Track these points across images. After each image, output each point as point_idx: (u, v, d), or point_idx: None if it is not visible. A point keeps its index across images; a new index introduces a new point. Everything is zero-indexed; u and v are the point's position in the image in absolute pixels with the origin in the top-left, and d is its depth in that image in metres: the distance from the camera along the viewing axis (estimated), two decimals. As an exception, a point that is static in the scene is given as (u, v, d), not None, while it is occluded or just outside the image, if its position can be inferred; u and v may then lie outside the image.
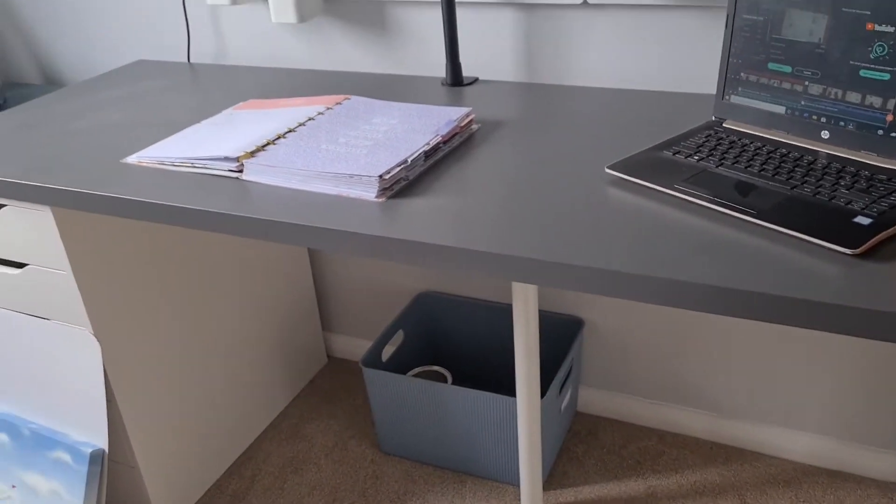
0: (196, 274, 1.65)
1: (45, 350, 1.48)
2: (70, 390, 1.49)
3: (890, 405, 1.61)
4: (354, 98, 1.38)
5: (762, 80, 1.12)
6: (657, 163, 1.07)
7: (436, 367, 1.90)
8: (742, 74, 1.14)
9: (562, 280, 0.90)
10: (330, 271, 2.08)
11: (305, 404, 2.05)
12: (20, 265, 1.44)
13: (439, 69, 1.61)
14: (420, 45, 1.62)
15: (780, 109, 1.11)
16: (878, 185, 0.96)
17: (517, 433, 1.63)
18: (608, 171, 1.07)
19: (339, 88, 1.52)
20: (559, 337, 1.83)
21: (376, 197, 1.06)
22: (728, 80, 1.16)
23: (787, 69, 1.09)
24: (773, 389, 1.70)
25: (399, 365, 1.89)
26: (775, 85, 1.11)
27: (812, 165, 1.02)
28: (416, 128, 1.22)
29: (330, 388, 2.10)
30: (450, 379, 1.87)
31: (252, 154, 1.18)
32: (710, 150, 1.09)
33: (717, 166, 1.04)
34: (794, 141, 1.09)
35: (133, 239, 1.49)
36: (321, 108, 1.34)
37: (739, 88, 1.15)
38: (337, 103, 1.36)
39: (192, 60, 1.85)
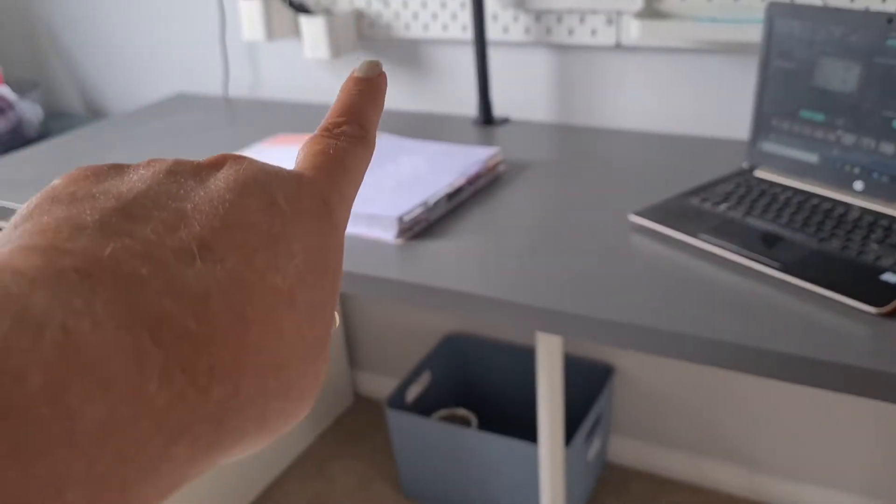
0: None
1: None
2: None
3: (934, 468, 1.54)
4: (383, 136, 1.38)
5: (794, 128, 1.09)
6: (683, 210, 1.04)
7: (461, 410, 1.87)
8: (774, 122, 1.11)
9: (581, 332, 0.88)
10: (358, 308, 2.07)
11: (330, 442, 2.03)
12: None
13: (471, 108, 1.61)
14: (452, 83, 1.62)
15: (813, 158, 1.08)
16: (913, 240, 0.92)
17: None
18: (632, 218, 1.04)
19: (370, 126, 1.52)
20: (588, 383, 1.79)
21: (395, 238, 1.05)
22: (760, 127, 1.13)
23: (820, 118, 1.06)
24: (815, 445, 1.64)
25: (425, 406, 1.86)
26: (808, 133, 1.08)
27: (843, 218, 0.99)
28: (442, 168, 1.21)
29: (355, 426, 2.09)
30: (475, 422, 1.84)
31: (275, 191, 1.18)
32: (739, 199, 1.06)
33: (744, 216, 1.01)
34: (825, 192, 1.06)
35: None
36: (348, 147, 1.33)
37: (771, 136, 1.12)
38: (364, 142, 1.35)
39: (229, 94, 1.88)
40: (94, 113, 2.17)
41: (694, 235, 0.97)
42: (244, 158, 0.23)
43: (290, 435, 1.95)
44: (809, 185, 1.08)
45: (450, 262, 0.99)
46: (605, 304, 0.87)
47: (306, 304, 0.22)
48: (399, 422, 1.71)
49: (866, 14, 1.00)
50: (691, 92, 1.41)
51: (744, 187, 1.09)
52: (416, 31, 1.58)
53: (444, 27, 1.55)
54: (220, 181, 0.22)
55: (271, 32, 1.63)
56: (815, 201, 1.04)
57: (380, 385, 2.16)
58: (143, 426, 0.17)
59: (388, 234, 1.05)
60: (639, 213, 1.04)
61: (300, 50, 1.75)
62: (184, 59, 1.94)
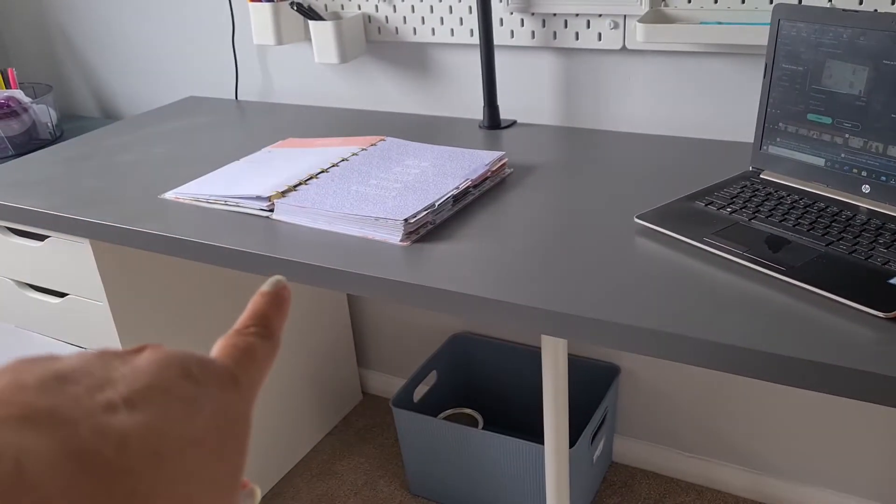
0: (231, 309, 1.66)
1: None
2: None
3: (941, 470, 1.54)
4: (389, 139, 1.38)
5: (801, 131, 1.09)
6: (688, 213, 1.05)
7: (467, 410, 1.88)
8: (781, 125, 1.12)
9: (585, 335, 0.88)
10: (367, 307, 2.08)
11: (338, 441, 2.04)
12: (62, 294, 1.47)
13: (478, 111, 1.61)
14: (459, 87, 1.63)
15: (820, 162, 1.08)
16: (919, 244, 0.92)
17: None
18: (637, 220, 1.04)
19: (378, 128, 1.53)
20: (594, 384, 1.79)
21: (401, 241, 1.06)
22: (766, 129, 1.13)
23: (828, 121, 1.06)
24: (821, 448, 1.64)
25: (431, 405, 1.87)
26: (815, 136, 1.08)
27: (850, 221, 0.99)
28: (448, 171, 1.21)
29: (363, 425, 2.09)
30: (481, 422, 1.85)
31: (283, 194, 1.19)
32: (745, 202, 1.06)
33: (750, 219, 1.02)
34: (833, 195, 1.06)
35: (168, 272, 1.52)
36: (356, 149, 1.34)
37: (778, 139, 1.12)
38: (372, 144, 1.36)
39: (239, 97, 1.89)
40: (108, 115, 2.19)
41: (699, 239, 0.98)
42: (162, 346, 0.28)
43: (299, 433, 1.96)
44: (816, 188, 1.08)
45: (455, 264, 0.99)
46: (609, 307, 0.87)
47: (214, 448, 0.26)
48: (406, 421, 1.72)
49: (874, 16, 1.00)
50: (697, 95, 1.42)
51: (749, 190, 1.09)
52: (423, 36, 1.59)
53: (452, 31, 1.55)
54: (142, 360, 0.27)
55: (281, 37, 1.64)
56: (822, 204, 1.04)
57: (387, 384, 2.17)
58: None
59: (394, 237, 1.06)
60: (644, 216, 1.05)
61: (310, 54, 1.76)
62: (196, 63, 1.95)
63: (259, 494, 0.32)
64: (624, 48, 1.43)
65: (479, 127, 1.51)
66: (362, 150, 1.34)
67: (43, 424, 0.22)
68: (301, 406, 1.95)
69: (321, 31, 1.58)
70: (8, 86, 1.92)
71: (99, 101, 2.18)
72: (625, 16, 1.39)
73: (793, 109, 1.10)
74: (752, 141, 1.16)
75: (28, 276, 1.48)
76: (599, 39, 1.43)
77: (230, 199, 1.21)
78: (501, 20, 1.49)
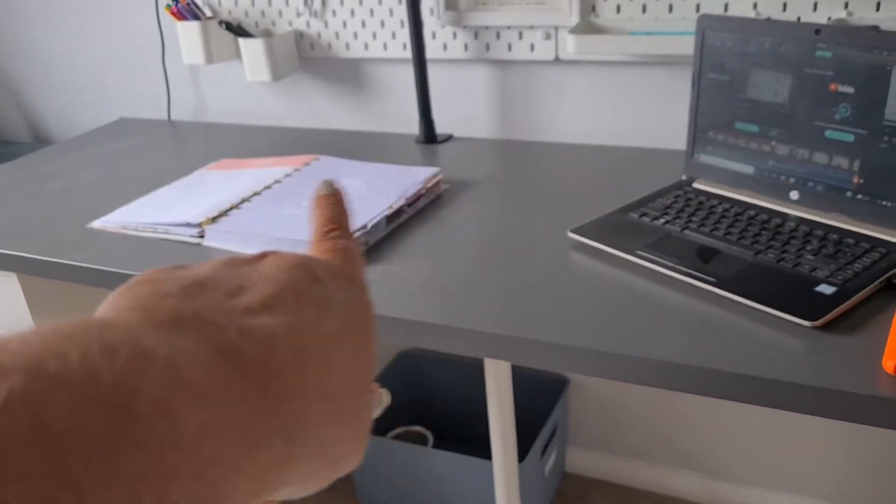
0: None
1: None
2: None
3: (893, 468, 1.56)
4: (323, 158, 1.36)
5: (730, 139, 1.10)
6: (621, 226, 1.04)
7: (417, 428, 1.86)
8: (710, 133, 1.12)
9: (522, 356, 0.87)
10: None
11: (289, 464, 2.01)
12: (-11, 329, 1.42)
13: (414, 126, 1.60)
14: (395, 101, 1.61)
15: (749, 170, 1.09)
16: (846, 249, 0.93)
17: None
18: (571, 235, 1.04)
19: (314, 145, 1.51)
20: (543, 396, 1.79)
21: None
22: (696, 139, 1.14)
23: (755, 129, 1.07)
24: (773, 451, 1.65)
25: (380, 424, 1.85)
26: (743, 145, 1.09)
27: (779, 228, 1.00)
28: (381, 190, 1.20)
29: (314, 446, 2.06)
30: (431, 439, 1.83)
31: (214, 219, 1.16)
32: (677, 213, 1.06)
33: (682, 230, 1.02)
34: (763, 202, 1.07)
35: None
36: (289, 170, 1.32)
37: (708, 148, 1.13)
38: (305, 164, 1.34)
39: (172, 117, 1.85)
40: (39, 140, 2.13)
41: (632, 252, 0.97)
42: (284, 251, 0.30)
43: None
44: (747, 195, 1.09)
45: (391, 287, 0.98)
46: (547, 328, 0.86)
47: (349, 347, 0.28)
48: (355, 443, 1.70)
49: (795, 25, 1.01)
50: (631, 104, 1.42)
51: (682, 200, 1.10)
52: (356, 51, 1.57)
53: (385, 46, 1.54)
54: (268, 266, 0.28)
55: (211, 56, 1.61)
56: (751, 212, 1.04)
57: (338, 404, 2.14)
58: (229, 434, 0.21)
59: (327, 261, 1.04)
60: (577, 231, 1.04)
61: (242, 72, 1.73)
62: (127, 84, 1.91)
63: (387, 399, 0.34)
64: (557, 59, 1.43)
65: (416, 142, 1.50)
66: (295, 170, 1.32)
67: (190, 327, 0.23)
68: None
69: (252, 49, 1.55)
70: (-69, 113, 1.85)
71: (29, 125, 2.12)
72: (556, 27, 1.39)
73: (721, 118, 1.10)
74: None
75: (-47, 312, 1.43)
76: (532, 50, 1.43)
77: (159, 227, 1.18)
78: (434, 34, 1.48)
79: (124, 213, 1.25)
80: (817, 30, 0.98)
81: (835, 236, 0.96)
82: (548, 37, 1.40)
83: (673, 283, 0.92)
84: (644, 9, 1.31)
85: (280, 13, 1.61)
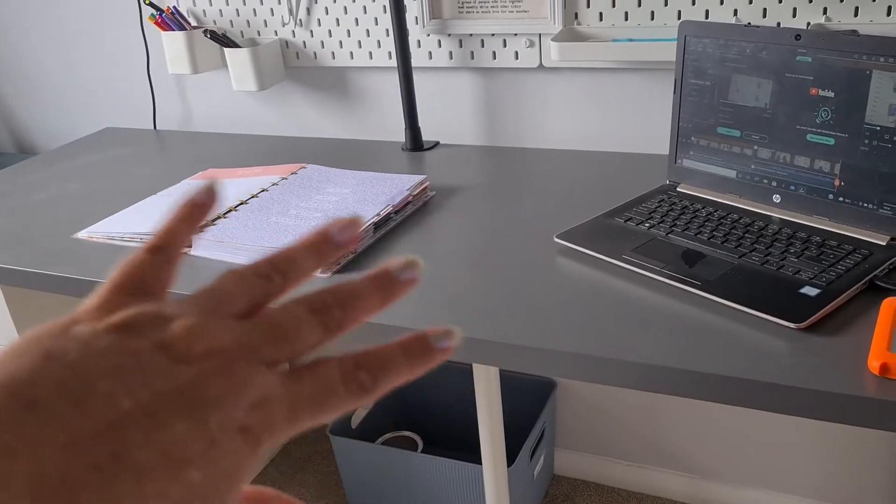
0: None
1: None
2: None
3: (877, 467, 1.58)
4: (310, 167, 1.37)
5: (713, 144, 1.11)
6: (607, 230, 1.05)
7: (406, 433, 1.86)
8: (693, 138, 1.13)
9: (511, 362, 0.88)
10: (302, 335, 2.05)
11: (277, 472, 2.00)
12: (-25, 341, 1.41)
13: (401, 133, 1.61)
14: (381, 109, 1.62)
15: (732, 174, 1.10)
16: (828, 251, 0.94)
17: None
18: (557, 240, 1.05)
19: (301, 154, 1.51)
20: (531, 400, 1.80)
21: (321, 272, 1.04)
22: (680, 143, 1.15)
23: (737, 133, 1.08)
24: (756, 450, 1.67)
25: (370, 430, 1.85)
26: (725, 149, 1.10)
27: (763, 231, 1.01)
28: (368, 197, 1.20)
29: (302, 454, 2.06)
30: (420, 444, 1.83)
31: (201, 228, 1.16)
32: (662, 217, 1.07)
33: (667, 234, 1.03)
34: (746, 205, 1.08)
35: (91, 312, 1.47)
36: (276, 179, 1.32)
37: (691, 152, 1.14)
38: (292, 173, 1.35)
39: (158, 127, 1.85)
40: (24, 150, 2.12)
41: (617, 256, 0.98)
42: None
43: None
44: (730, 199, 1.10)
45: (378, 294, 0.98)
46: (535, 333, 0.87)
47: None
48: (344, 448, 1.70)
49: (775, 31, 1.02)
50: (615, 109, 1.43)
51: (667, 204, 1.11)
52: (342, 60, 1.58)
53: (370, 55, 1.55)
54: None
55: (196, 66, 1.61)
56: (735, 216, 1.06)
57: (326, 412, 2.14)
58: None
59: (316, 269, 1.04)
60: (563, 236, 1.05)
61: (228, 82, 1.73)
62: (112, 94, 1.91)
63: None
64: (541, 66, 1.44)
65: (402, 149, 1.51)
66: (283, 179, 1.32)
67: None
68: (237, 439, 1.91)
69: (237, 59, 1.55)
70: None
71: (14, 136, 2.11)
72: (539, 34, 1.40)
73: (703, 123, 1.11)
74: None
75: (-61, 325, 1.42)
76: (517, 58, 1.44)
77: (146, 236, 1.18)
78: (419, 42, 1.49)
79: (110, 223, 1.25)
80: (797, 35, 0.99)
81: (818, 238, 0.97)
82: (531, 44, 1.41)
83: (658, 287, 0.93)
84: (626, 16, 1.33)
85: (265, 23, 1.61)
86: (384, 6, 1.50)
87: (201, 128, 1.83)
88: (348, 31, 1.55)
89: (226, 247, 1.11)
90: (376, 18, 1.52)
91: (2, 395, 0.22)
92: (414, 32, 1.48)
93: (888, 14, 1.18)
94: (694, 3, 1.28)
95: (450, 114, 1.56)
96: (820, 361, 0.77)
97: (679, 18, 1.29)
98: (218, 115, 1.79)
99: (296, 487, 1.94)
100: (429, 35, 1.48)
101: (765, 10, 1.25)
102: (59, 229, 1.28)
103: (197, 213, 0.31)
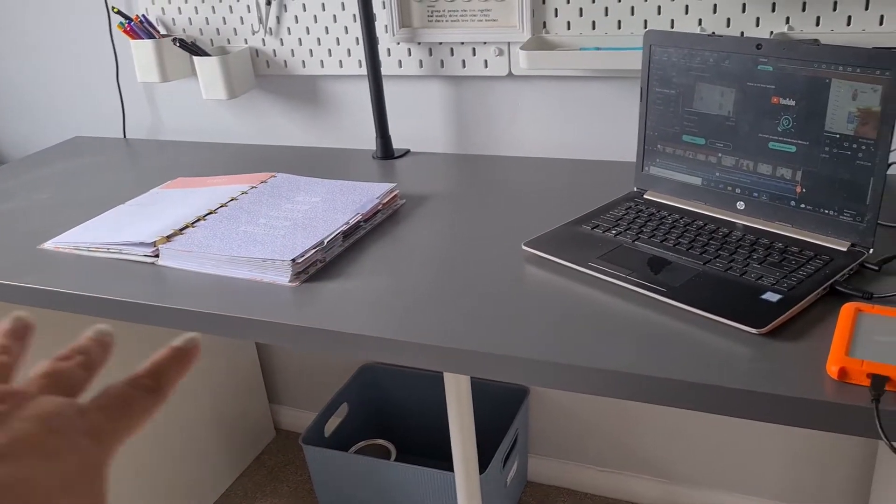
0: (120, 363, 1.61)
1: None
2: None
3: (844, 470, 1.60)
4: (280, 175, 1.36)
5: (678, 151, 1.13)
6: (574, 238, 1.06)
7: (380, 441, 1.86)
8: (659, 146, 1.15)
9: (480, 370, 0.88)
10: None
11: (251, 482, 1.99)
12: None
13: (372, 142, 1.61)
14: (352, 118, 1.62)
15: (697, 181, 1.11)
16: (791, 257, 0.96)
17: (462, 509, 1.59)
18: (525, 248, 1.05)
19: (271, 163, 1.51)
20: (504, 406, 1.80)
21: (290, 281, 1.04)
22: (646, 151, 1.16)
23: (701, 141, 1.10)
24: (727, 455, 1.68)
25: (343, 439, 1.84)
26: (690, 157, 1.11)
27: (727, 238, 1.02)
28: (338, 206, 1.20)
29: (276, 463, 2.05)
30: (394, 452, 1.83)
31: (168, 238, 1.16)
32: (629, 224, 1.08)
33: (633, 241, 1.04)
34: (711, 212, 1.09)
35: (54, 327, 1.46)
36: (245, 187, 1.32)
37: (657, 160, 1.15)
38: (262, 181, 1.34)
39: (127, 136, 1.84)
40: (-9, 159, 2.10)
41: (584, 264, 0.99)
42: (51, 398, 0.32)
43: (211, 475, 1.91)
44: (695, 206, 1.11)
45: (348, 303, 0.98)
46: (501, 341, 0.88)
47: (82, 494, 0.29)
48: (317, 458, 1.69)
49: (738, 40, 1.04)
50: (584, 117, 1.44)
51: (633, 211, 1.12)
52: (312, 68, 1.58)
53: (340, 63, 1.55)
54: (28, 410, 0.31)
55: (166, 74, 1.61)
56: (701, 222, 1.07)
57: (300, 419, 2.13)
58: None
59: (283, 278, 1.04)
60: (531, 243, 1.06)
61: (198, 90, 1.72)
62: (81, 102, 1.89)
63: None
64: (510, 74, 1.45)
65: (373, 157, 1.51)
66: (252, 187, 1.32)
67: None
68: (210, 448, 1.90)
69: (207, 67, 1.55)
70: None
71: (-19, 145, 2.09)
72: (508, 43, 1.41)
73: (669, 131, 1.13)
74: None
75: None
76: (486, 66, 1.45)
77: (113, 246, 1.17)
78: (389, 50, 1.49)
79: (77, 233, 1.24)
80: (758, 44, 1.01)
81: (780, 245, 0.99)
82: (500, 53, 1.42)
83: (625, 294, 0.94)
84: (594, 25, 1.34)
85: (235, 31, 1.61)
86: (354, 15, 1.50)
87: (171, 136, 1.82)
88: (318, 39, 1.55)
89: (194, 256, 1.10)
90: (346, 27, 1.52)
91: None
92: (384, 41, 1.48)
93: (848, 24, 1.20)
94: (660, 13, 1.30)
95: (420, 122, 1.56)
96: (780, 366, 0.78)
97: (645, 27, 1.30)
98: (188, 123, 1.79)
99: (269, 498, 1.93)
100: (399, 43, 1.48)
101: (728, 19, 1.27)
102: (25, 240, 1.27)
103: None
